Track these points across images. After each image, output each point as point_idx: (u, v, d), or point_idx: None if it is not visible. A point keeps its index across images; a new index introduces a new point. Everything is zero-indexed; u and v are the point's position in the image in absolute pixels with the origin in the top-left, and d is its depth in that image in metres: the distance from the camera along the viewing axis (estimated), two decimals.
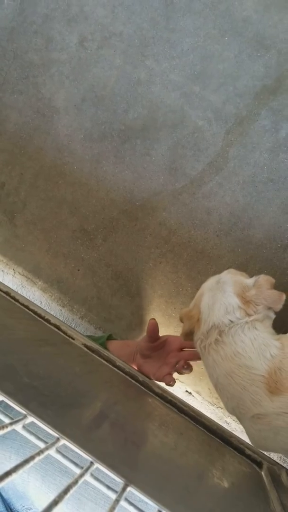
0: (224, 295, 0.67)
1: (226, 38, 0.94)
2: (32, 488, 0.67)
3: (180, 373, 0.83)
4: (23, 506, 0.71)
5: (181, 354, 0.83)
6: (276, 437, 0.58)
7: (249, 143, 0.95)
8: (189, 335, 0.73)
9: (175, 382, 0.83)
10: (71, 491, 0.27)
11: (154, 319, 0.81)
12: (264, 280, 0.67)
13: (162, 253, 1.06)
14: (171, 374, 0.83)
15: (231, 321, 0.64)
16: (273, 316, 0.67)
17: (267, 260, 0.96)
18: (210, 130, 0.98)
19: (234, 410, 0.64)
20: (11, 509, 0.72)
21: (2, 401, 0.34)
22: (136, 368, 0.84)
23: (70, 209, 1.14)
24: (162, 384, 0.79)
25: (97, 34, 1.05)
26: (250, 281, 0.69)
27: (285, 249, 0.94)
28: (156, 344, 0.84)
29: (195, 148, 0.99)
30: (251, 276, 0.73)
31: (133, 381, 0.75)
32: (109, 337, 0.96)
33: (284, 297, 0.65)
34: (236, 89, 0.95)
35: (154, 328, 0.81)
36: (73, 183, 1.13)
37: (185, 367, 0.82)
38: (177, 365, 0.83)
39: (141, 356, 0.86)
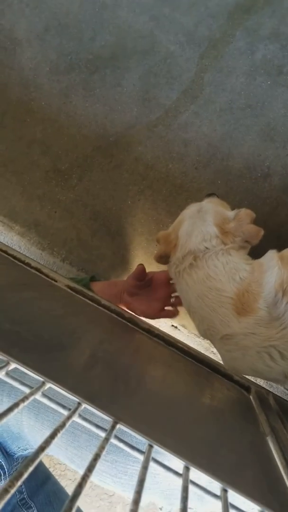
0: (204, 224, 0.75)
1: None
2: (26, 427, 0.73)
3: (175, 306, 0.92)
4: (19, 448, 0.78)
5: (171, 286, 0.91)
6: (244, 357, 0.66)
7: (225, 67, 1.01)
8: (163, 257, 0.82)
9: (178, 312, 0.91)
10: (59, 435, 0.29)
11: (142, 264, 0.87)
12: (245, 214, 0.74)
13: (140, 190, 1.13)
14: (163, 308, 0.92)
15: (207, 248, 0.72)
16: (249, 247, 0.75)
17: (247, 190, 1.04)
18: (183, 55, 1.03)
19: (206, 332, 0.72)
20: (7, 452, 0.79)
21: None
22: (125, 308, 0.91)
23: (41, 148, 1.20)
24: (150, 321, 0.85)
25: None
26: (231, 213, 0.77)
27: (265, 178, 1.02)
28: (143, 282, 0.91)
29: (168, 75, 1.05)
30: (232, 207, 0.82)
31: (120, 319, 0.80)
32: (92, 278, 1.03)
33: (262, 232, 0.72)
34: (208, 9, 0.99)
35: (142, 273, 0.88)
36: (42, 120, 1.18)
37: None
38: (172, 300, 0.92)
39: (128, 295, 0.92)
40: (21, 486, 0.80)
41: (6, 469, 0.78)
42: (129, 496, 0.70)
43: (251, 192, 1.04)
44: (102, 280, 1.06)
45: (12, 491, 0.23)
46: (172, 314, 0.92)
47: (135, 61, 1.07)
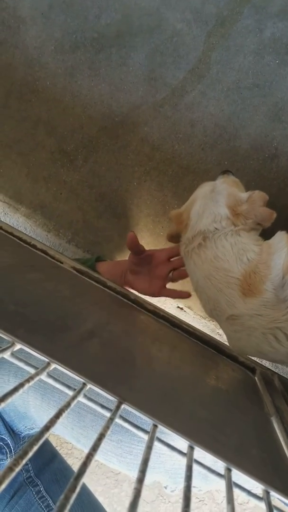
0: (216, 205, 0.75)
1: None
2: (32, 407, 0.74)
3: (174, 281, 0.92)
4: (25, 427, 0.80)
5: (171, 263, 0.91)
6: (249, 338, 0.66)
7: (232, 46, 0.99)
8: (174, 237, 0.82)
9: (189, 294, 0.91)
10: (64, 414, 0.29)
11: (133, 231, 0.85)
12: (258, 196, 0.73)
13: (146, 171, 1.13)
14: (165, 286, 0.92)
15: (217, 229, 0.72)
16: (260, 229, 0.75)
17: (255, 171, 1.03)
18: (190, 33, 1.01)
19: (212, 312, 0.73)
20: (13, 431, 0.81)
21: None
22: (129, 287, 0.92)
23: (47, 129, 1.19)
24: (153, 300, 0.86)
25: None
26: (244, 195, 0.75)
27: (272, 159, 1.01)
28: (143, 257, 0.89)
29: (175, 54, 1.03)
30: (246, 189, 0.81)
31: (125, 300, 0.80)
32: (98, 259, 1.02)
33: (274, 215, 0.72)
34: None
35: (133, 241, 0.85)
36: (47, 101, 1.17)
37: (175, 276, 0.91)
38: (170, 275, 0.91)
39: (130, 273, 0.92)
40: (27, 464, 0.81)
41: (12, 448, 0.79)
42: (134, 475, 0.71)
43: (258, 173, 1.03)
44: (108, 261, 1.06)
45: (17, 469, 0.23)
46: (181, 295, 0.92)
47: (141, 40, 1.05)
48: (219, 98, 1.03)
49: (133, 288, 0.92)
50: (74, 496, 0.22)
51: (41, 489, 0.78)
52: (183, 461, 0.30)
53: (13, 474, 0.23)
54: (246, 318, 0.66)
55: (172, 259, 0.92)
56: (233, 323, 0.68)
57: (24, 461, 0.24)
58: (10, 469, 0.23)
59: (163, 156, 1.10)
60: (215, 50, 1.00)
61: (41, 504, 0.76)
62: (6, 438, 0.79)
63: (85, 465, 0.25)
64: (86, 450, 0.68)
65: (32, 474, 0.80)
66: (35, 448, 0.25)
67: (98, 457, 0.68)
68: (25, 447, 0.25)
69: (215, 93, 1.03)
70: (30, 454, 0.25)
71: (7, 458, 0.79)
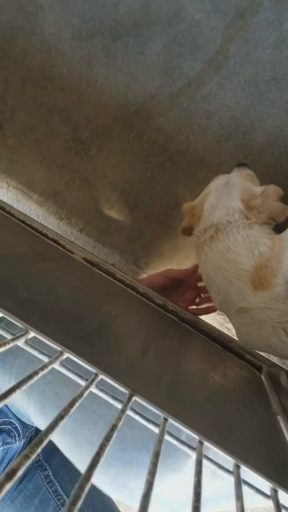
0: (229, 198, 0.75)
1: None
2: (33, 417, 0.76)
3: (198, 305, 0.95)
4: (29, 421, 0.81)
5: (199, 289, 0.94)
6: (259, 331, 0.67)
7: (251, 38, 0.98)
8: (187, 230, 0.83)
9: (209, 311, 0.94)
10: (77, 404, 0.29)
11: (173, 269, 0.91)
12: (273, 191, 0.73)
13: (160, 162, 1.13)
14: (188, 308, 0.94)
15: (229, 222, 0.73)
16: (273, 223, 0.74)
17: (269, 165, 1.02)
18: (208, 24, 1.00)
19: (222, 304, 0.74)
20: (20, 420, 0.83)
21: (3, 318, 0.36)
22: None
23: (62, 116, 1.19)
24: None
25: None
26: (258, 189, 0.76)
27: None
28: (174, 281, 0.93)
29: (193, 44, 1.02)
30: (261, 182, 0.81)
31: (134, 293, 0.81)
32: None
33: None
34: None
35: (175, 277, 0.90)
36: (63, 88, 1.17)
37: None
38: (196, 300, 0.94)
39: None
40: None
41: (20, 431, 0.81)
42: (131, 505, 0.72)
43: (273, 167, 1.03)
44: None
45: (33, 456, 0.24)
46: (207, 311, 0.94)
47: (159, 29, 1.04)
48: (236, 90, 1.02)
49: None
50: (88, 485, 0.23)
51: (50, 473, 0.80)
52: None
53: (29, 461, 0.24)
54: (256, 311, 0.67)
55: (199, 285, 0.95)
56: (243, 316, 0.69)
57: (39, 449, 0.25)
58: (27, 456, 0.24)
59: (178, 147, 1.10)
60: (234, 42, 0.99)
61: (49, 489, 0.78)
62: (14, 422, 0.81)
63: (98, 455, 0.25)
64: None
65: (41, 458, 0.82)
66: (50, 436, 0.26)
67: (93, 482, 0.67)
68: (41, 435, 0.26)
69: (232, 85, 1.02)
70: (45, 441, 0.26)
71: (15, 441, 0.81)
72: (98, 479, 0.68)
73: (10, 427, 0.79)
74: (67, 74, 1.16)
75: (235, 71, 1.01)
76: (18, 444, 0.82)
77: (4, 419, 0.78)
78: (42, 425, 0.74)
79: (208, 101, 1.05)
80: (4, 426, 0.81)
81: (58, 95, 1.18)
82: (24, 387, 0.29)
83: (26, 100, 1.22)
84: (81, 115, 1.18)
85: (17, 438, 0.82)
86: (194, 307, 0.96)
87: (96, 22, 1.09)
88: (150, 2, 1.03)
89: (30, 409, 0.73)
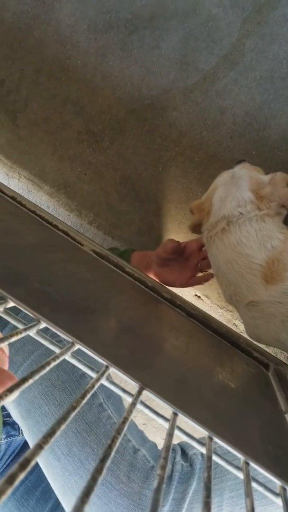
0: (239, 189, 0.74)
1: None
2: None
3: (202, 270, 0.93)
4: None
5: (201, 253, 0.92)
6: (268, 325, 0.67)
7: (268, 34, 0.97)
8: (197, 227, 0.82)
9: (210, 276, 0.92)
10: (88, 396, 0.29)
11: (173, 240, 0.87)
12: (281, 177, 0.73)
13: (172, 157, 1.12)
14: (194, 276, 0.93)
15: (241, 213, 0.72)
16: (285, 213, 0.74)
17: (283, 163, 1.02)
18: (225, 19, 0.99)
19: (231, 298, 0.74)
20: None
21: (20, 310, 0.36)
22: (155, 278, 0.93)
23: (75, 108, 1.20)
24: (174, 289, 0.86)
25: None
26: (266, 177, 0.76)
27: None
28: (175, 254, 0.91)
29: (209, 39, 1.02)
30: (267, 173, 0.81)
31: (143, 287, 0.80)
32: (133, 250, 1.04)
33: None
34: None
35: (177, 248, 0.88)
36: (77, 80, 1.17)
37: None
38: (199, 265, 0.93)
39: (157, 265, 0.93)
40: None
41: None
42: None
43: (286, 164, 1.02)
44: (138, 252, 1.06)
45: (46, 447, 0.24)
46: (203, 280, 0.93)
47: (176, 23, 1.04)
48: (251, 86, 1.01)
49: (160, 280, 0.92)
50: (100, 478, 0.23)
51: None
52: None
53: (41, 452, 0.24)
54: (267, 305, 0.67)
55: (203, 249, 0.93)
56: (253, 309, 0.70)
57: (52, 439, 0.25)
58: (40, 446, 0.24)
59: (190, 142, 1.10)
60: (250, 38, 0.99)
61: None
62: None
63: (110, 448, 0.26)
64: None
65: None
66: (63, 427, 0.26)
67: None
68: (53, 426, 0.26)
69: (247, 81, 1.01)
70: (58, 432, 0.26)
71: (19, 434, 0.82)
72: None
73: (13, 419, 0.80)
74: (81, 66, 1.16)
75: (251, 67, 1.00)
76: (21, 437, 0.82)
77: (8, 412, 0.79)
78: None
79: (222, 97, 1.04)
80: (8, 419, 0.81)
81: (72, 87, 1.18)
82: (37, 376, 0.29)
83: (40, 91, 1.22)
84: (94, 107, 1.17)
85: (20, 431, 0.82)
86: (200, 274, 0.95)
87: (112, 15, 1.09)
88: None
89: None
